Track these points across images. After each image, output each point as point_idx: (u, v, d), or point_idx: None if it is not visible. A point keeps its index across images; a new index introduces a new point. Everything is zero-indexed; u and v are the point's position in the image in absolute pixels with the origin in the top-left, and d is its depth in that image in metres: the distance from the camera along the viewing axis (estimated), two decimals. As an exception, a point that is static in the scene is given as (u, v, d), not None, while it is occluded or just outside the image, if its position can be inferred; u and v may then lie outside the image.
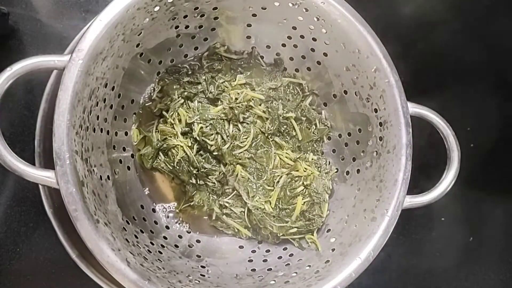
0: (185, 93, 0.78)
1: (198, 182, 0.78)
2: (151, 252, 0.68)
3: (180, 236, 0.76)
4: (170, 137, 0.77)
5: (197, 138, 0.76)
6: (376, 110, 0.70)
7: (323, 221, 0.76)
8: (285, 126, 0.79)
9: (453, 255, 0.90)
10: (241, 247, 0.78)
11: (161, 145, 0.77)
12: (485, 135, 0.93)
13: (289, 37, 0.76)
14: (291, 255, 0.74)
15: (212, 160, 0.78)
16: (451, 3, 0.95)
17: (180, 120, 0.77)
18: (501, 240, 0.91)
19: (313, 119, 0.81)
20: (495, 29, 0.95)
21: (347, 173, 0.76)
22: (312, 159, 0.79)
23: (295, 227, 0.74)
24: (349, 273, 0.62)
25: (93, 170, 0.65)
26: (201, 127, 0.76)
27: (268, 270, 0.72)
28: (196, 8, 0.70)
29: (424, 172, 0.87)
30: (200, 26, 0.75)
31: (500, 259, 0.90)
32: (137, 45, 0.69)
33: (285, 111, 0.79)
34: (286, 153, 0.78)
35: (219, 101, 0.78)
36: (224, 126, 0.77)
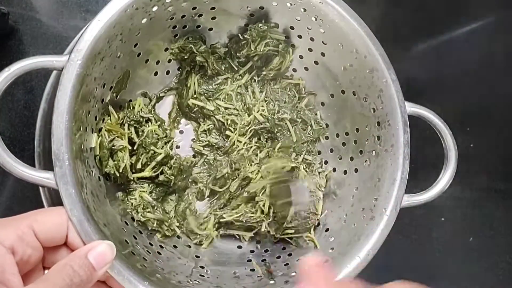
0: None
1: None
2: (150, 253, 0.68)
3: (178, 237, 0.76)
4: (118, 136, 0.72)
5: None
6: (374, 110, 0.69)
7: (319, 219, 0.76)
8: (279, 128, 0.80)
9: (453, 255, 0.89)
10: (239, 247, 0.78)
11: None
12: (485, 135, 0.93)
13: (287, 37, 0.76)
14: (289, 254, 0.74)
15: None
16: (452, 5, 0.95)
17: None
18: (501, 240, 0.91)
19: (309, 120, 0.80)
20: (495, 29, 0.95)
21: (345, 172, 0.76)
22: (304, 159, 0.80)
23: (291, 227, 0.74)
24: (347, 273, 0.62)
25: (92, 171, 0.65)
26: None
27: (267, 270, 0.72)
28: (194, 8, 0.70)
29: (424, 172, 0.88)
30: (198, 26, 0.75)
31: (500, 259, 0.90)
32: (135, 45, 0.69)
33: (280, 113, 0.79)
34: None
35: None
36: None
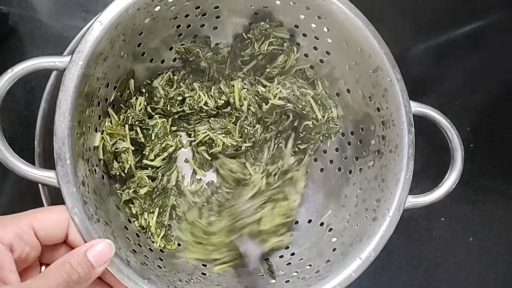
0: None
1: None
2: (152, 251, 0.68)
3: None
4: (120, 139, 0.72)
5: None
6: (378, 109, 0.69)
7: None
8: (303, 104, 0.75)
9: (453, 255, 0.90)
10: (243, 246, 0.78)
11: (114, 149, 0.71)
12: (485, 135, 0.93)
13: (292, 35, 0.76)
14: (292, 254, 0.74)
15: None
16: (452, 5, 0.95)
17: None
18: (501, 240, 0.91)
19: (328, 106, 0.77)
20: (495, 29, 0.95)
21: (350, 172, 0.76)
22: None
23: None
24: (349, 274, 0.62)
25: (95, 169, 0.65)
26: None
27: (269, 269, 0.72)
28: (198, 7, 0.70)
29: (423, 172, 0.88)
30: (202, 25, 0.75)
31: (500, 259, 0.90)
32: (139, 45, 0.69)
33: (302, 89, 0.76)
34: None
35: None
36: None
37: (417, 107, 0.67)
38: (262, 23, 0.74)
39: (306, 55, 0.78)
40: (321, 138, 0.80)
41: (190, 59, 0.77)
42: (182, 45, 0.76)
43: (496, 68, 0.95)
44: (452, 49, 0.95)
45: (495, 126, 0.94)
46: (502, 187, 0.93)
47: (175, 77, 0.78)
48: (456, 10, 0.95)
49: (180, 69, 0.79)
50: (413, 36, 0.94)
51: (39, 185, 0.68)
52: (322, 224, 0.76)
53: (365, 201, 0.70)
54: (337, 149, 0.80)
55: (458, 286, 0.89)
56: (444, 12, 0.95)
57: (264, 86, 0.77)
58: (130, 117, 0.72)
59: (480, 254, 0.90)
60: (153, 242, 0.71)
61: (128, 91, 0.73)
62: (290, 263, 0.72)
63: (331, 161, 0.80)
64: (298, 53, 0.78)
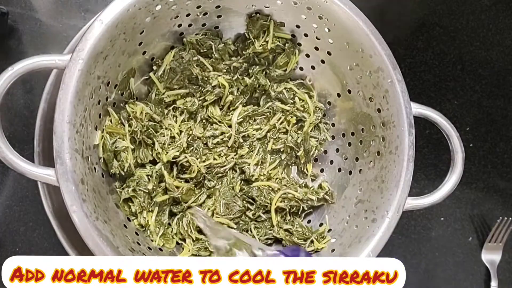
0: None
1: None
2: (151, 250, 0.68)
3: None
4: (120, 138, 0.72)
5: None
6: (379, 110, 0.69)
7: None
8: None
9: (453, 255, 0.90)
10: (244, 248, 0.78)
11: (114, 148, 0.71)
12: (485, 135, 0.93)
13: (293, 35, 0.76)
14: (293, 254, 0.74)
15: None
16: (451, 3, 0.95)
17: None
18: (500, 240, 0.91)
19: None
20: (494, 28, 0.95)
21: (350, 173, 0.76)
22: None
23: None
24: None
25: (94, 168, 0.65)
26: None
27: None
28: (199, 7, 0.70)
29: (422, 172, 0.88)
30: (203, 24, 0.75)
31: (499, 259, 0.90)
32: (139, 44, 0.69)
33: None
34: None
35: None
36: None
37: (418, 109, 0.66)
38: (259, 14, 0.74)
39: (307, 55, 0.78)
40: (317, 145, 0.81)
41: (201, 50, 0.76)
42: (183, 44, 0.76)
43: (496, 68, 0.94)
44: (452, 49, 0.94)
45: (495, 125, 0.94)
46: (502, 187, 0.93)
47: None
48: (456, 9, 0.95)
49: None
50: (413, 36, 0.94)
51: (39, 183, 0.68)
52: (321, 225, 0.76)
53: (364, 202, 0.70)
54: (337, 150, 0.80)
55: (458, 286, 0.89)
56: (444, 12, 0.95)
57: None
58: (138, 131, 0.72)
59: (480, 254, 0.90)
60: (152, 240, 0.71)
61: (128, 91, 0.73)
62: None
63: (331, 162, 0.80)
64: (299, 55, 0.78)
